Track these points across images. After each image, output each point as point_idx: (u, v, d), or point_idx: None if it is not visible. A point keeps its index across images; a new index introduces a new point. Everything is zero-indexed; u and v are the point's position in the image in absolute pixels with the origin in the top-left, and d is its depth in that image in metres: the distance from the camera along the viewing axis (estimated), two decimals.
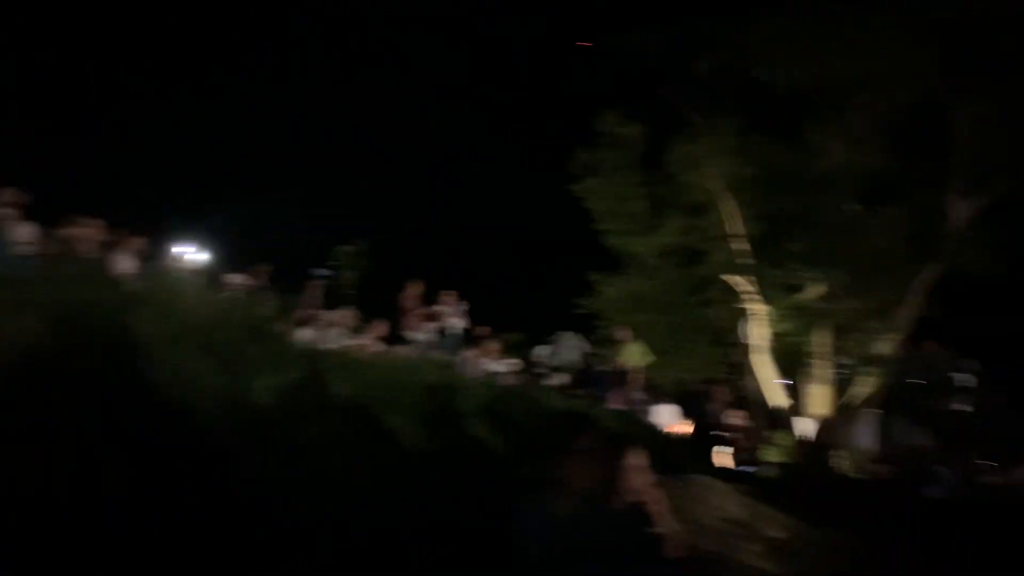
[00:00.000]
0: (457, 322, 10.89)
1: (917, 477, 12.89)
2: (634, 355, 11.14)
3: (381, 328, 10.05)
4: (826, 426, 11.92)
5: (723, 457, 10.82)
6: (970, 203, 11.78)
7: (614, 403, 10.00)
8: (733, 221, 13.07)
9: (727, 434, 11.34)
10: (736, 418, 11.90)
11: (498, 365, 10.21)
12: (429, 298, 11.06)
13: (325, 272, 11.40)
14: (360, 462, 4.85)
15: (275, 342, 6.18)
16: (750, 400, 13.69)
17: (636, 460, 3.36)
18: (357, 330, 9.89)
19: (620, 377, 10.91)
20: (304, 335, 8.58)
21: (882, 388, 12.51)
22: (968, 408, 21.75)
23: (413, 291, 10.85)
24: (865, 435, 14.13)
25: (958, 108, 11.50)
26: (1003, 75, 11.08)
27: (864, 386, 12.17)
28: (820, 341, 12.20)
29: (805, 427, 12.23)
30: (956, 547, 9.61)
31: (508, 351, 11.28)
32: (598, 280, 16.14)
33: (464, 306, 11.08)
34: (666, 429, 10.39)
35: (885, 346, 11.98)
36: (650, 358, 11.54)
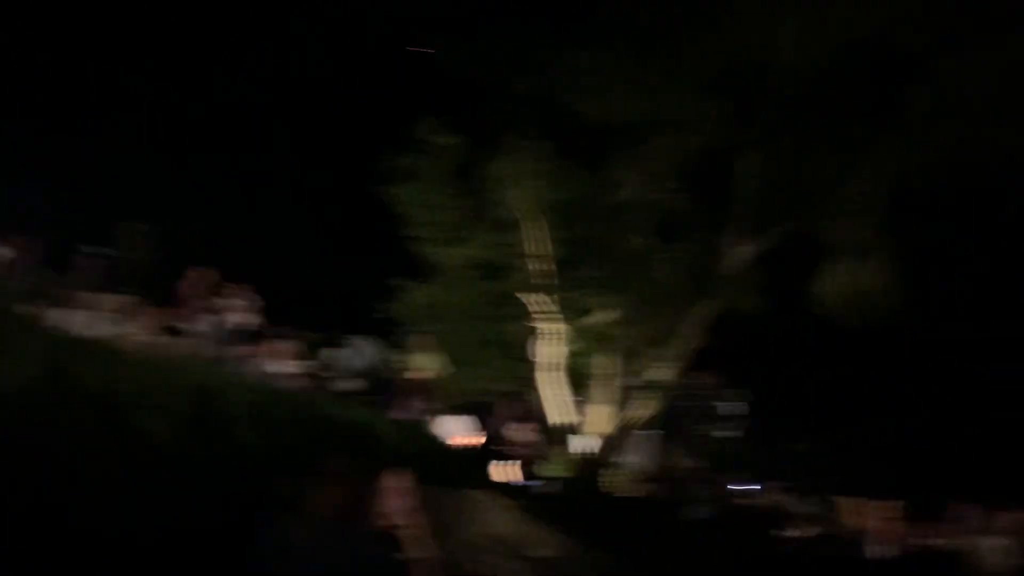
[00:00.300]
0: (243, 317, 10.25)
1: (683, 497, 13.78)
2: (426, 364, 11.04)
3: (156, 316, 9.26)
4: (604, 444, 12.44)
5: (504, 471, 10.95)
6: (747, 246, 12.78)
7: (401, 413, 9.83)
8: (536, 241, 13.39)
9: (511, 448, 11.50)
10: (521, 433, 12.11)
11: (284, 367, 9.69)
12: (216, 288, 10.34)
13: (100, 250, 10.36)
14: (100, 465, 4.40)
15: (16, 324, 5.50)
16: (536, 415, 14.04)
17: (394, 482, 3.23)
18: (128, 317, 9.05)
19: (410, 386, 10.76)
20: (62, 319, 7.75)
21: (658, 411, 13.27)
22: (733, 433, 23.78)
23: (198, 279, 10.08)
24: (639, 455, 14.94)
25: (742, 157, 12.48)
26: (782, 130, 12.16)
27: (642, 408, 12.84)
28: (605, 363, 12.75)
29: (585, 444, 12.70)
30: (712, 564, 10.31)
31: (298, 352, 10.77)
32: (401, 286, 15.99)
33: (253, 300, 10.46)
34: (451, 441, 10.37)
35: (664, 372, 12.72)
36: (441, 368, 11.51)
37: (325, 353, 11.91)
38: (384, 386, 10.87)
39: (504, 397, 13.75)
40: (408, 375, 10.91)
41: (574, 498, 10.09)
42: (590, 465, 12.01)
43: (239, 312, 10.16)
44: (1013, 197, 12.14)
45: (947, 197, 12.69)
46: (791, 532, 12.33)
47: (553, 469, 12.23)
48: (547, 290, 12.85)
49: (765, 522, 12.97)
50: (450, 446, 10.00)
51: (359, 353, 11.60)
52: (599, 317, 12.90)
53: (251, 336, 10.22)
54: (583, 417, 12.94)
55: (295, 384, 9.15)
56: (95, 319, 8.31)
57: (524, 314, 14.11)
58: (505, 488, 9.53)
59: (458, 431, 11.00)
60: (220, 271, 10.58)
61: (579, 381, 13.23)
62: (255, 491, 4.31)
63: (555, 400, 12.88)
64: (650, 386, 12.60)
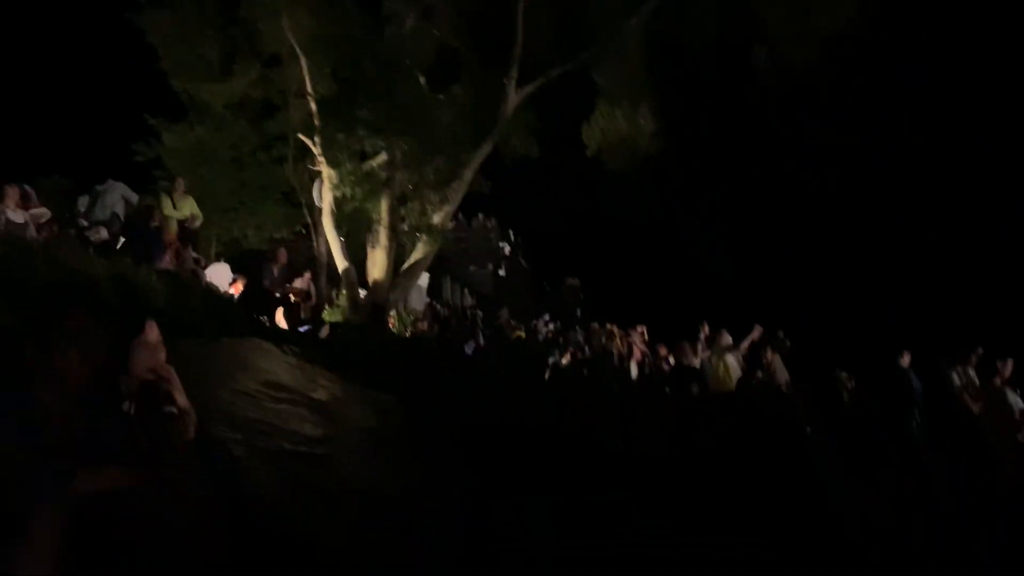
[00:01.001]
0: None
1: (459, 333, 14.40)
2: (192, 211, 10.39)
3: None
4: (383, 287, 12.56)
5: (283, 318, 10.81)
6: (521, 90, 12.94)
7: (164, 263, 9.27)
8: (307, 80, 12.72)
9: (288, 295, 11.31)
10: (299, 279, 11.93)
11: (19, 215, 8.70)
12: None
13: None
14: None
15: None
16: (316, 261, 13.86)
17: (148, 336, 3.09)
18: None
19: (176, 234, 10.12)
20: None
21: (434, 253, 13.51)
22: (503, 273, 24.98)
23: None
24: (417, 296, 15.31)
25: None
26: None
27: (419, 251, 13.00)
28: (382, 207, 12.65)
29: (365, 288, 12.78)
30: (488, 392, 11.01)
31: (38, 199, 9.68)
32: (159, 126, 14.74)
33: None
34: (223, 290, 10.02)
35: (440, 216, 12.87)
36: (210, 215, 10.91)
37: (78, 200, 10.87)
38: (146, 235, 10.15)
39: (282, 243, 13.38)
40: (173, 222, 10.25)
41: (354, 341, 10.22)
42: (369, 308, 12.14)
43: None
44: (768, 50, 13.05)
45: (712, 48, 13.45)
46: (561, 358, 13.28)
47: (333, 314, 12.27)
48: (320, 132, 12.35)
49: (537, 351, 13.90)
50: (223, 295, 9.67)
51: (111, 199, 10.70)
52: (375, 160, 12.66)
53: None
54: (365, 261, 12.92)
55: (35, 235, 8.33)
56: None
57: (302, 157, 13.58)
58: (283, 334, 9.46)
59: (231, 279, 10.63)
60: None
61: (359, 226, 13.09)
62: None
63: (335, 245, 12.71)
64: (426, 229, 12.72)
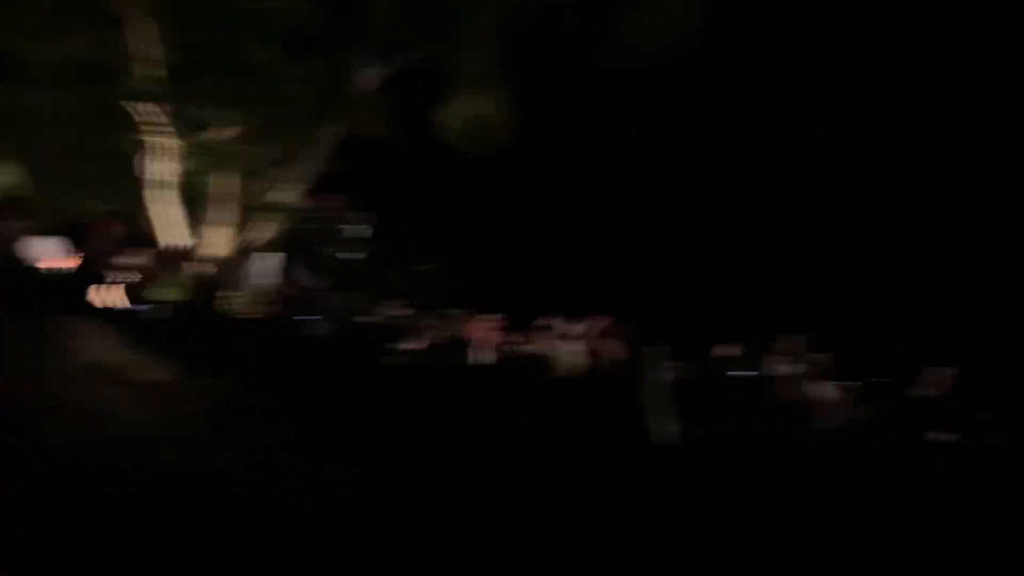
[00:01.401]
0: None
1: (304, 316, 14.05)
2: (5, 178, 9.56)
3: None
4: (223, 267, 12.08)
5: (106, 296, 10.16)
6: (378, 69, 12.75)
7: None
8: (146, 43, 11.96)
9: (114, 271, 10.64)
10: (126, 255, 11.25)
11: None
12: None
13: None
14: None
15: None
16: (148, 237, 13.12)
17: None
18: None
19: None
20: None
21: (282, 233, 13.12)
22: (357, 255, 24.54)
23: None
24: (261, 276, 14.79)
25: None
26: None
27: (264, 230, 12.59)
28: (224, 183, 12.13)
29: (205, 267, 12.22)
30: (330, 376, 10.79)
31: None
32: None
33: None
34: (41, 264, 9.31)
35: (287, 193, 12.50)
36: (25, 183, 10.09)
37: None
38: None
39: (107, 216, 12.56)
40: None
41: (187, 322, 9.79)
42: (206, 288, 11.65)
43: None
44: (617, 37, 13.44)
45: (564, 36, 13.72)
46: (407, 344, 13.25)
47: (164, 293, 11.67)
48: (158, 100, 11.66)
49: (383, 336, 13.77)
50: (40, 270, 9.03)
51: None
52: (218, 133, 12.10)
53: None
54: (199, 238, 12.35)
55: None
56: None
57: (136, 126, 12.78)
58: (107, 313, 8.95)
59: (50, 253, 9.88)
60: None
61: (198, 201, 12.49)
62: None
63: (167, 221, 12.06)
64: (272, 207, 12.34)
